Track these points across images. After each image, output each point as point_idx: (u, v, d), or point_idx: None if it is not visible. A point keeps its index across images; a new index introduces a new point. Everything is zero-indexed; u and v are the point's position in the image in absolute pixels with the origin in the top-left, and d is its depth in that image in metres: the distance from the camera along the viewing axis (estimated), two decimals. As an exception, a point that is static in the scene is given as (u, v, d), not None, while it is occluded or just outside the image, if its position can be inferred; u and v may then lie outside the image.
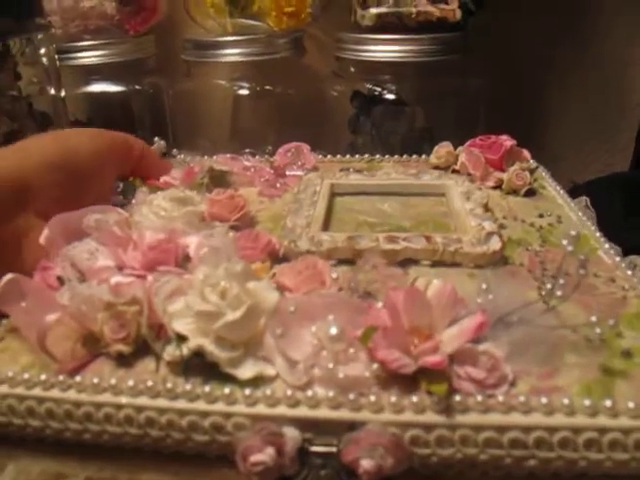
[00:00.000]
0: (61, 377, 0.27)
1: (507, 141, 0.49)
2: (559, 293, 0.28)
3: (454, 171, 0.51)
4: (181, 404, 0.25)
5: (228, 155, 0.53)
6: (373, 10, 0.63)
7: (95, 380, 0.26)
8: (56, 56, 0.59)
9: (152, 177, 0.47)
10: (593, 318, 0.27)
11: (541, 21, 0.77)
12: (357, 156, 0.55)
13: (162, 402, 0.26)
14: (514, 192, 0.46)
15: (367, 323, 0.27)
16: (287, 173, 0.51)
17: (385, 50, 0.61)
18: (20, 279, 0.30)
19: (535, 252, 0.37)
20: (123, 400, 0.26)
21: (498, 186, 0.47)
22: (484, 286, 0.28)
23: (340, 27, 0.70)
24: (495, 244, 0.36)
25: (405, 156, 0.55)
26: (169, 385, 0.26)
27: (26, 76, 0.58)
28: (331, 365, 0.25)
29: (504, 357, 0.26)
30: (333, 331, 0.27)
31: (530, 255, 0.37)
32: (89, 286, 0.29)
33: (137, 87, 0.79)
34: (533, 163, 0.50)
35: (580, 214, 0.42)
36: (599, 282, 0.34)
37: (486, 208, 0.41)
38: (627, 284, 0.33)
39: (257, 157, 0.55)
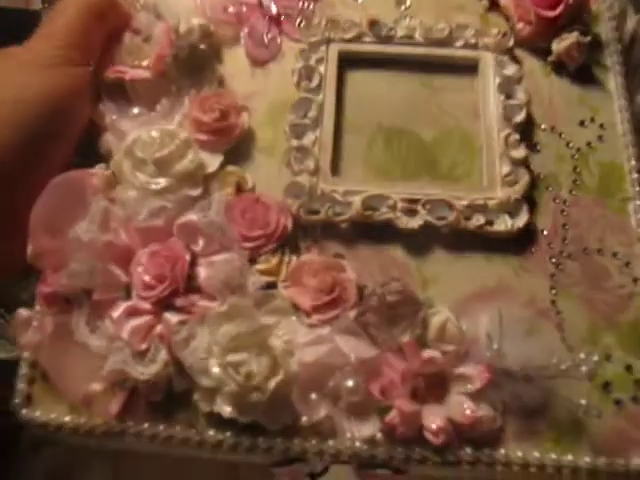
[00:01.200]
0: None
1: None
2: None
3: (494, 4, 0.39)
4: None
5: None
6: None
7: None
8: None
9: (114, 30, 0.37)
10: (583, 401, 0.30)
11: None
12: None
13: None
14: (563, 64, 0.38)
15: (382, 380, 0.29)
16: (281, 10, 0.39)
17: None
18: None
19: (560, 207, 0.35)
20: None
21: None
22: (495, 346, 0.29)
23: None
24: (520, 220, 0.33)
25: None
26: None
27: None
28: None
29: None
30: (350, 384, 0.29)
31: (555, 213, 0.34)
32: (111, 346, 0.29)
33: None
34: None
35: (627, 127, 0.36)
36: (614, 266, 0.34)
37: (522, 129, 0.35)
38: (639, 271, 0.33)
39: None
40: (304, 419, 0.29)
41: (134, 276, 0.31)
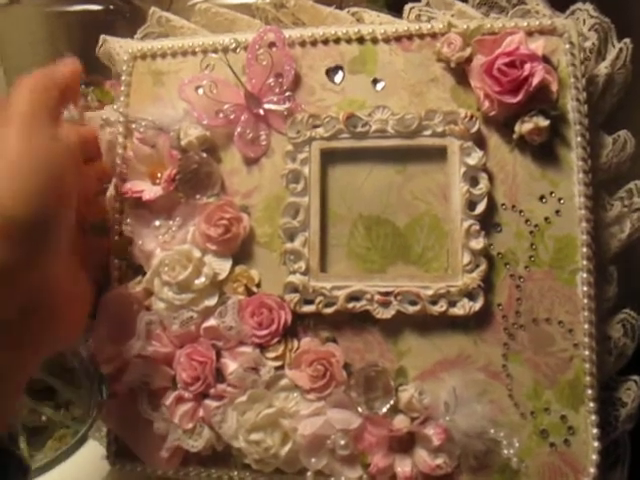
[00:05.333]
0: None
1: (535, 74, 0.38)
2: None
3: (464, 75, 0.42)
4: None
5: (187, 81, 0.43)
6: None
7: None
8: None
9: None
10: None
11: None
12: (344, 30, 0.43)
13: None
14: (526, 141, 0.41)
15: (363, 442, 0.40)
16: (266, 107, 0.43)
17: None
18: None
19: (516, 283, 0.41)
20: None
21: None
22: (448, 417, 0.38)
23: None
24: (477, 304, 0.40)
25: (407, 26, 0.42)
26: None
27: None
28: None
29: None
30: (341, 442, 0.40)
31: (510, 288, 0.41)
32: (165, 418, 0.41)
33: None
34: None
35: (583, 200, 0.40)
36: (558, 332, 0.40)
37: (484, 219, 0.40)
38: (581, 336, 0.40)
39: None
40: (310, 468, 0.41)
41: (177, 372, 0.41)
